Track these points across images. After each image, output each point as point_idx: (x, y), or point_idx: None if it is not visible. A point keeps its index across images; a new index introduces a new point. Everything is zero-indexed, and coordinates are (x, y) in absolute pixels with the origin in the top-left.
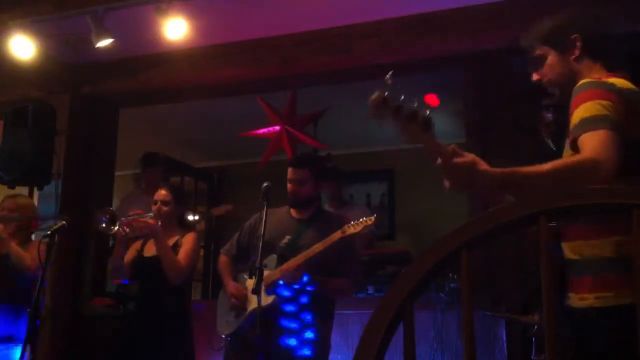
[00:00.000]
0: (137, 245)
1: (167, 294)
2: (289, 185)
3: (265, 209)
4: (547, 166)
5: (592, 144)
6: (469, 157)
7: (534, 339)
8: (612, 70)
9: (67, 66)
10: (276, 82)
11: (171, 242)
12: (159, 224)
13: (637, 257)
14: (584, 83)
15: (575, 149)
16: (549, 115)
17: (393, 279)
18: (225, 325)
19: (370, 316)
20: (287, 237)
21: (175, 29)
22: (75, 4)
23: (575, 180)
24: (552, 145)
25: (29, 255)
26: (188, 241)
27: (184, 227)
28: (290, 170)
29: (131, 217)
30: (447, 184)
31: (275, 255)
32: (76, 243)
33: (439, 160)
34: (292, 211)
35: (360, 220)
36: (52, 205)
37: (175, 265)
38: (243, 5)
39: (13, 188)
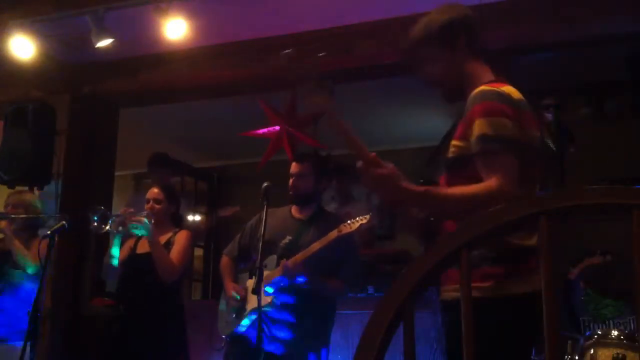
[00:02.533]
0: (130, 242)
1: (160, 291)
2: (290, 180)
3: (265, 209)
4: (457, 191)
5: (499, 172)
6: (388, 169)
7: None
8: (496, 73)
9: (67, 66)
10: (276, 82)
11: (163, 239)
12: (152, 222)
13: (637, 257)
14: (482, 92)
15: (472, 162)
16: (549, 115)
17: (393, 279)
18: (226, 326)
19: (370, 316)
20: (288, 237)
21: (175, 29)
22: (75, 4)
23: (482, 207)
24: (552, 145)
25: (31, 253)
26: (181, 239)
27: (177, 224)
28: (293, 164)
29: (123, 217)
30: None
31: (275, 256)
32: (76, 243)
33: (358, 164)
34: (293, 211)
35: (356, 219)
36: (52, 205)
37: (168, 263)
38: (243, 5)
39: (13, 188)
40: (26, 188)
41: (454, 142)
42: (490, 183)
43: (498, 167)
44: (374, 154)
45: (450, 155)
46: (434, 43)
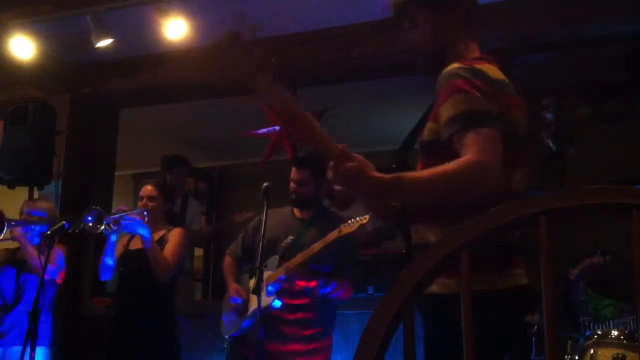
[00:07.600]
0: (123, 240)
1: (153, 289)
2: (291, 184)
3: (265, 209)
4: (429, 172)
5: (475, 145)
6: (357, 159)
7: (533, 339)
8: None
9: (67, 66)
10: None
11: (157, 237)
12: (145, 219)
13: (637, 257)
14: (452, 70)
15: (448, 147)
16: (549, 115)
17: (393, 279)
18: (228, 326)
19: (370, 316)
20: (290, 237)
21: (175, 29)
22: (75, 4)
23: (462, 185)
24: (552, 145)
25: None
26: (174, 236)
27: (171, 222)
28: (293, 170)
29: (117, 215)
30: (336, 187)
31: (277, 256)
32: (76, 243)
33: (331, 164)
34: (295, 211)
35: (356, 219)
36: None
37: (162, 261)
38: (243, 6)
39: (13, 188)
40: (22, 192)
41: (429, 125)
42: (466, 157)
43: (473, 141)
44: (342, 145)
45: (425, 138)
46: (431, 3)
